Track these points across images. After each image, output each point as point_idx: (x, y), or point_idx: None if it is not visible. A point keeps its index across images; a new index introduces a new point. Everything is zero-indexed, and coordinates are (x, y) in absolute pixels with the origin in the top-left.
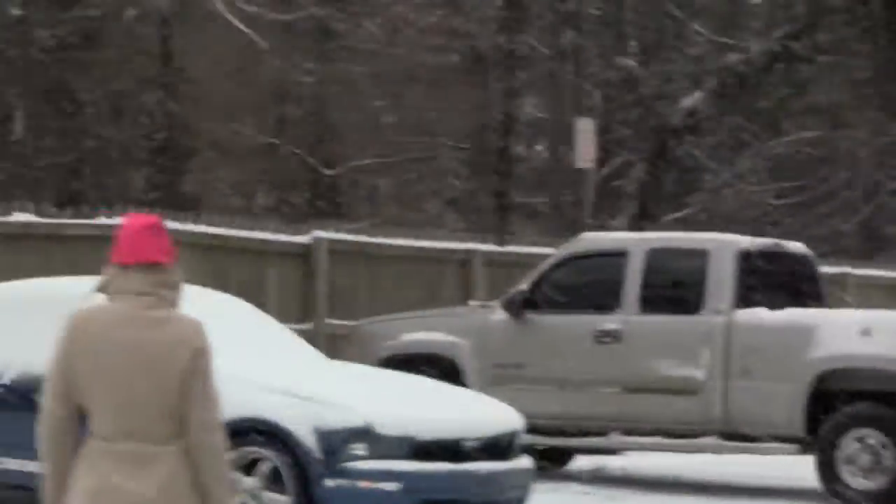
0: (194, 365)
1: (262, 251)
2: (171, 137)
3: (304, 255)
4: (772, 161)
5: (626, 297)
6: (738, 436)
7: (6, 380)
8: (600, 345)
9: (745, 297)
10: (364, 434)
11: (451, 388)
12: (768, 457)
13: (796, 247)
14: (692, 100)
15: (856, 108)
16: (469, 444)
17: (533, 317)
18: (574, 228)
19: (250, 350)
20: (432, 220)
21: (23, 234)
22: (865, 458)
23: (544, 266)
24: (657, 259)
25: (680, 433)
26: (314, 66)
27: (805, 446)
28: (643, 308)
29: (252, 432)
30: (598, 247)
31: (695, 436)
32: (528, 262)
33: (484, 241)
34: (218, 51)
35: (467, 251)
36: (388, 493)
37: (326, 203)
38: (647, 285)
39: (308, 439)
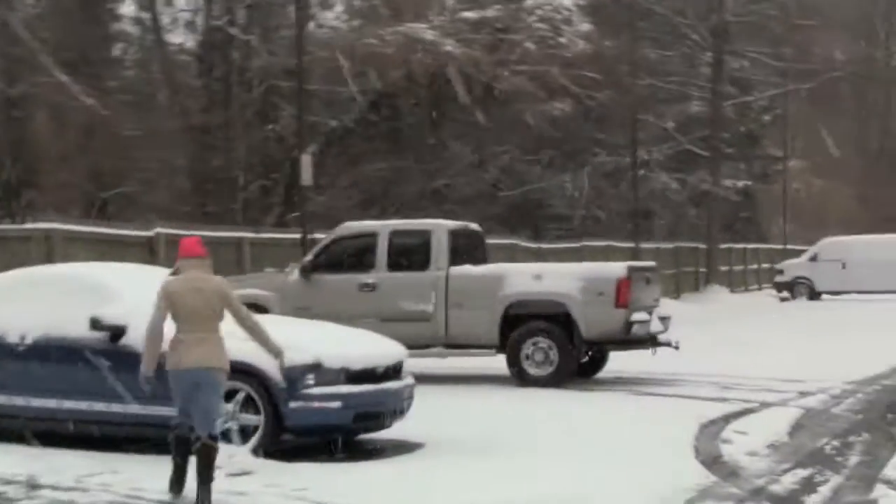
0: (229, 293)
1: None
2: None
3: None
4: None
5: (378, 261)
6: (455, 345)
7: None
8: (362, 292)
9: (454, 259)
10: (315, 368)
11: (359, 331)
12: (476, 358)
13: (474, 226)
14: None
15: None
16: (381, 370)
17: (317, 276)
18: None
19: None
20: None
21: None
22: (539, 356)
23: (322, 244)
24: (396, 236)
25: (417, 346)
26: None
27: (499, 350)
28: (389, 268)
29: (233, 371)
30: (357, 230)
31: (427, 347)
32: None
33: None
34: None
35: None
36: (333, 410)
37: None
38: (391, 253)
39: (275, 373)
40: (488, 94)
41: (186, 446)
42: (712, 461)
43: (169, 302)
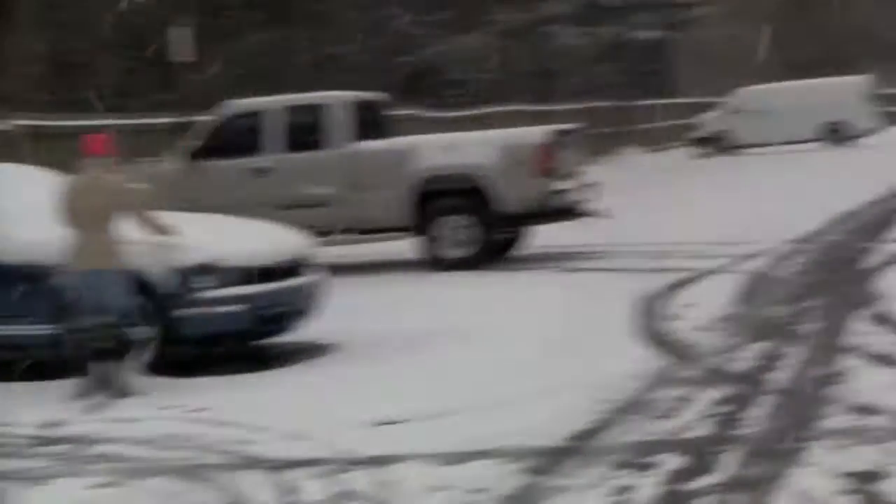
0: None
1: None
2: None
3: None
4: None
5: (271, 142)
6: (364, 230)
7: None
8: (256, 178)
9: (356, 135)
10: (209, 268)
11: (256, 223)
12: (390, 243)
13: (375, 97)
14: None
15: None
16: (284, 265)
17: (203, 163)
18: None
19: None
20: None
21: None
22: (456, 236)
23: (205, 126)
24: (291, 113)
25: (322, 234)
26: None
27: (413, 231)
28: (285, 149)
29: None
30: (245, 109)
31: (333, 234)
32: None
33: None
34: None
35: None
36: (233, 314)
37: None
38: (285, 132)
39: (163, 277)
40: None
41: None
42: (660, 340)
43: (62, 202)
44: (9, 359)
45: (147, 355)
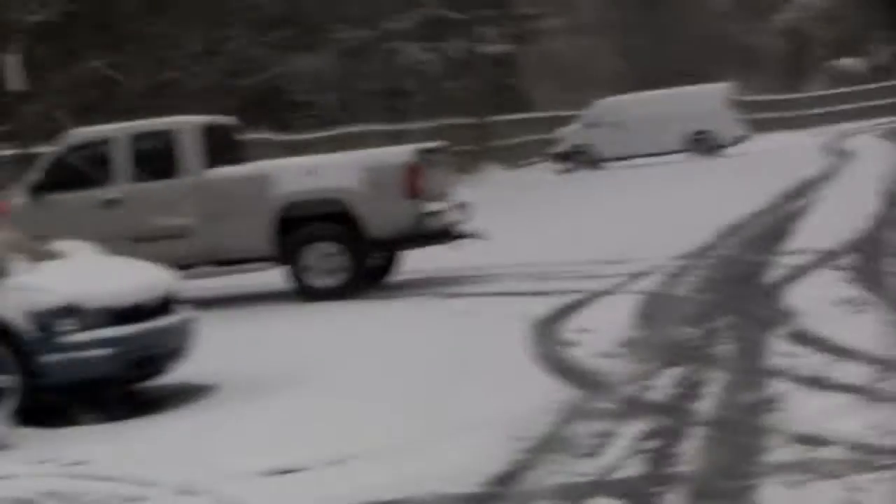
0: None
1: None
2: None
3: None
4: None
5: (120, 172)
6: (225, 262)
7: None
8: (106, 210)
9: (209, 161)
10: (71, 311)
11: (117, 259)
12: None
13: (227, 120)
14: None
15: None
16: (152, 304)
17: (49, 197)
18: None
19: None
20: None
21: None
22: (324, 264)
23: (49, 157)
24: (138, 141)
25: (181, 267)
26: None
27: (280, 261)
28: (134, 178)
29: None
30: (90, 138)
31: (190, 267)
32: None
33: None
34: None
35: None
36: (101, 358)
37: None
38: (134, 161)
39: (20, 322)
40: None
41: None
42: (564, 369)
43: None
44: None
45: (9, 406)
